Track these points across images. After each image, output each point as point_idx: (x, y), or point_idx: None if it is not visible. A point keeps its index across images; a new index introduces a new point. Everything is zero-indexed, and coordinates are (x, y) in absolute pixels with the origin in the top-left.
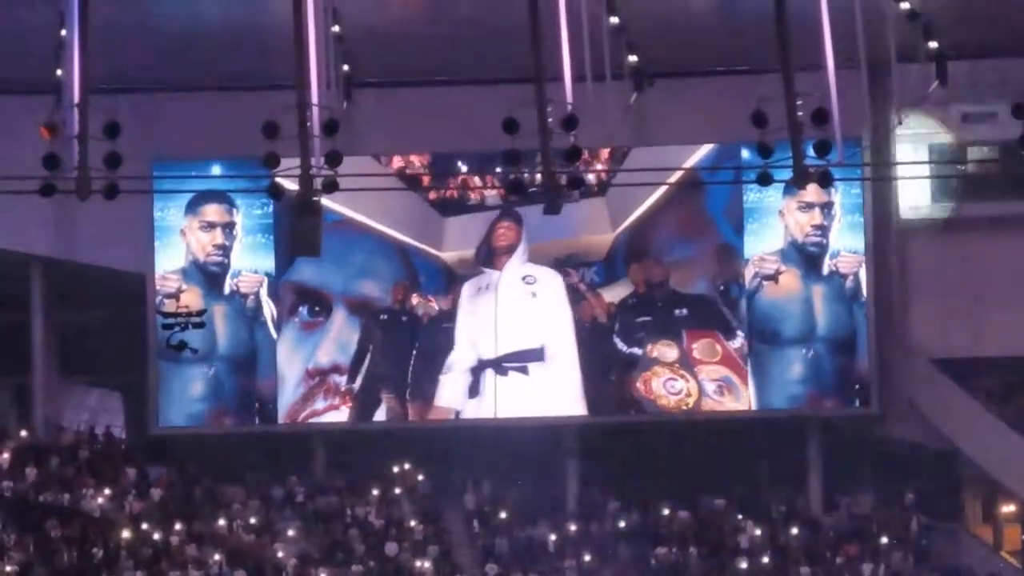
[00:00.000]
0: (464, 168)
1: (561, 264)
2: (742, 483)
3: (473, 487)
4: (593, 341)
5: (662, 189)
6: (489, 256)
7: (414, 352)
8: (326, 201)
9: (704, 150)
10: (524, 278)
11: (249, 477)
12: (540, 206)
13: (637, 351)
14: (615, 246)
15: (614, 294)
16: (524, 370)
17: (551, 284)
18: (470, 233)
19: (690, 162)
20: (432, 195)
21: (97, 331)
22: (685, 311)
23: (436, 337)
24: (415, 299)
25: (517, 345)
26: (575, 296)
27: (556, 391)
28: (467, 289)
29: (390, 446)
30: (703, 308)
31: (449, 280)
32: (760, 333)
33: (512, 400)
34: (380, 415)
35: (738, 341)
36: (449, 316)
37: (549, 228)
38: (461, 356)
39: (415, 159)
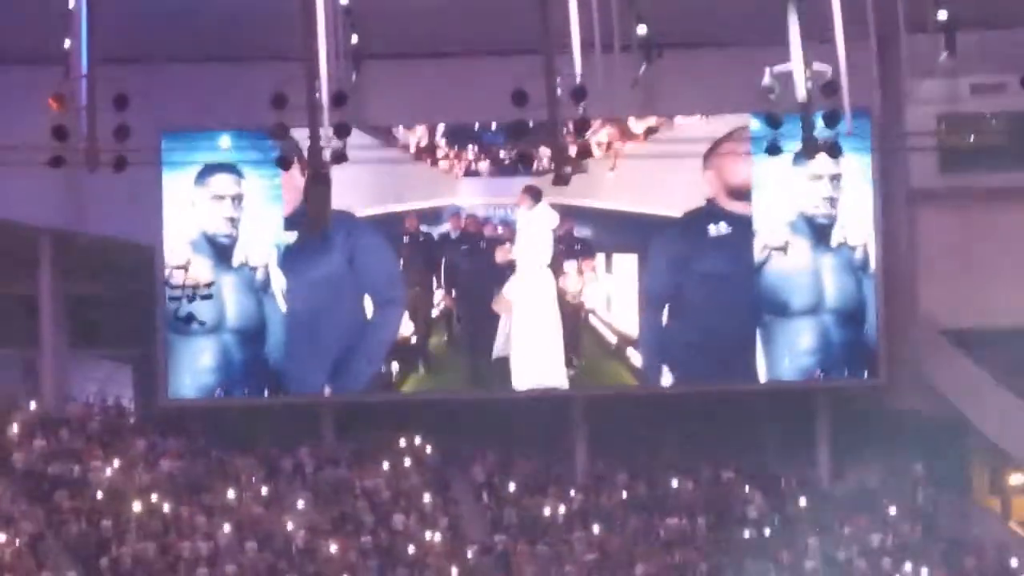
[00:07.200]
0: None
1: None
2: (750, 454)
3: (481, 459)
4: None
5: None
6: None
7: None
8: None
9: None
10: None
11: (258, 449)
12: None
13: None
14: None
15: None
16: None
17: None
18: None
19: None
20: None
21: (106, 303)
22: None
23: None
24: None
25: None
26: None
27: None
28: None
29: (399, 417)
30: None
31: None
32: (769, 304)
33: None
34: None
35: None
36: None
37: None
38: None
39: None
